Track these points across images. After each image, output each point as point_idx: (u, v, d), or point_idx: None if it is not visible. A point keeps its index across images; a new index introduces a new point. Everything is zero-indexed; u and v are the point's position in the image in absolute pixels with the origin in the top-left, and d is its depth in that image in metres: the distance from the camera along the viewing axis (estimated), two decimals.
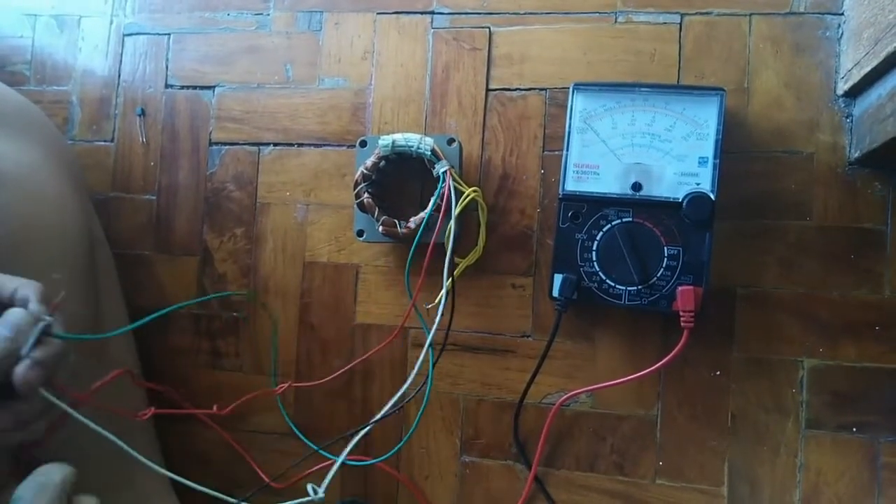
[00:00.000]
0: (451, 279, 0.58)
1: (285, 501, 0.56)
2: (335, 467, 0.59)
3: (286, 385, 0.64)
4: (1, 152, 0.50)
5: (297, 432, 0.65)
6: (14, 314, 0.37)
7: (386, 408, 0.59)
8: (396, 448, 0.62)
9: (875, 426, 0.55)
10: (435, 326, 0.58)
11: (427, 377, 0.60)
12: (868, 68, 0.51)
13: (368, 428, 0.60)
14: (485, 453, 0.61)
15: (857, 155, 0.55)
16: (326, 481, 0.55)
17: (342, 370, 0.64)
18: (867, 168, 0.56)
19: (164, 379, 0.67)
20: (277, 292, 0.66)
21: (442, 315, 0.59)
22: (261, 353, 0.66)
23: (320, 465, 0.63)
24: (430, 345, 0.61)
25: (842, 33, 0.57)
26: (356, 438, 0.60)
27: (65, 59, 0.74)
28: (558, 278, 0.56)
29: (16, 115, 0.55)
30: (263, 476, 0.64)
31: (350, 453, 0.62)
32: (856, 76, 0.53)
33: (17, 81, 0.74)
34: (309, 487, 0.57)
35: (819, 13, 0.58)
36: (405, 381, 0.62)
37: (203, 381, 0.67)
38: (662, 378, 0.59)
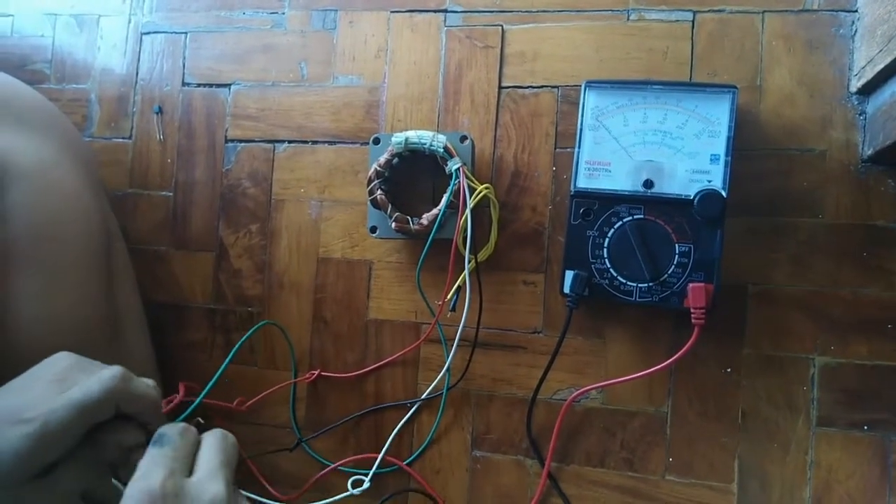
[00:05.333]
0: (468, 275, 0.59)
1: (333, 497, 0.59)
2: (378, 460, 0.62)
3: (316, 374, 0.65)
4: (19, 149, 0.51)
5: (310, 451, 0.66)
6: (136, 438, 0.38)
7: (426, 393, 0.60)
8: (421, 449, 0.63)
9: (886, 424, 0.55)
10: (462, 325, 0.59)
11: (447, 374, 0.61)
12: (882, 65, 0.51)
13: (396, 431, 0.62)
14: (495, 448, 0.62)
15: (870, 152, 0.55)
16: (371, 473, 0.60)
17: (372, 367, 0.65)
18: (880, 165, 0.56)
19: (179, 373, 0.68)
20: (292, 288, 0.67)
21: (454, 311, 0.60)
22: (275, 348, 0.67)
23: (343, 460, 0.64)
24: (445, 341, 0.62)
25: (855, 30, 0.57)
26: (388, 441, 0.62)
27: (84, 58, 0.75)
28: (569, 275, 0.56)
29: (33, 112, 0.56)
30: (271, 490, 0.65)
31: (357, 450, 0.64)
32: (869, 73, 0.53)
33: (37, 80, 0.75)
34: (350, 482, 0.59)
35: (832, 10, 0.58)
36: (416, 376, 0.64)
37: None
38: (673, 375, 0.59)
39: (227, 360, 0.45)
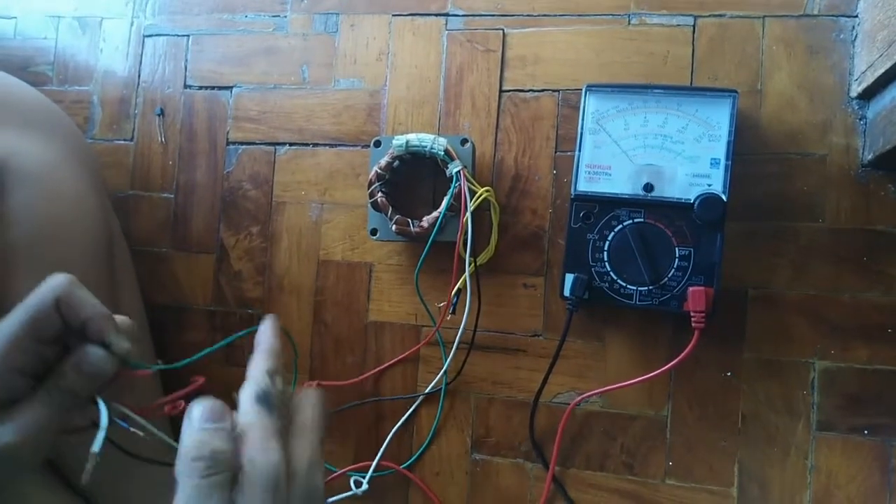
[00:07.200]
0: (468, 278, 0.59)
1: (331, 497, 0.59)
2: (374, 463, 0.62)
3: (313, 385, 0.65)
4: (23, 151, 0.52)
5: None
6: (95, 358, 0.35)
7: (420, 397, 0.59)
8: (419, 452, 0.63)
9: (887, 429, 0.55)
10: (462, 328, 0.59)
11: (444, 376, 0.61)
12: (882, 70, 0.51)
13: (392, 434, 0.63)
14: (495, 451, 0.62)
15: (870, 157, 0.55)
16: (369, 475, 0.60)
17: (369, 373, 0.65)
18: (880, 170, 0.56)
19: (179, 374, 0.68)
20: (292, 290, 0.67)
21: (455, 313, 0.60)
22: None
23: (350, 466, 0.64)
24: (443, 344, 0.62)
25: (856, 35, 0.57)
26: (387, 440, 0.62)
27: (86, 60, 0.75)
28: (570, 278, 0.56)
29: (37, 114, 0.56)
30: None
31: (357, 452, 0.64)
32: (869, 78, 0.54)
33: (40, 81, 0.75)
34: (352, 481, 0.60)
35: (833, 15, 0.58)
36: (416, 378, 0.64)
37: (217, 376, 0.68)
38: (673, 378, 0.59)
39: (220, 344, 0.44)
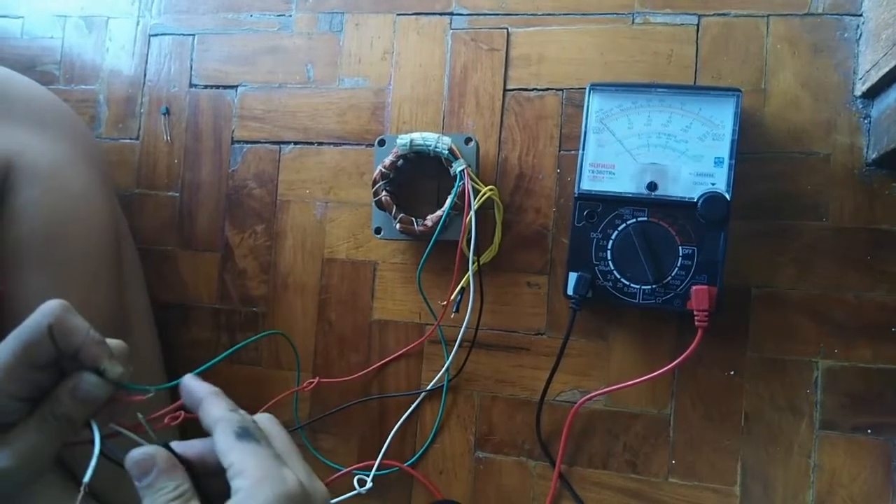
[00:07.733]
0: (472, 276, 0.59)
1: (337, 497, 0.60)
2: (377, 462, 0.62)
3: (315, 382, 0.65)
4: (32, 149, 0.52)
5: (318, 455, 0.66)
6: (90, 384, 0.34)
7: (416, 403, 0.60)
8: (422, 450, 0.63)
9: (890, 428, 0.55)
10: (464, 325, 0.59)
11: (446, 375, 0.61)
12: (886, 69, 0.51)
13: (396, 429, 0.64)
14: (498, 449, 0.62)
15: (874, 156, 0.55)
16: (372, 473, 0.61)
17: (371, 368, 0.65)
18: (884, 169, 0.56)
19: (184, 372, 0.68)
20: (296, 288, 0.68)
21: (458, 312, 0.60)
22: (279, 348, 0.68)
23: (355, 465, 0.64)
24: (445, 342, 0.62)
25: (860, 34, 0.57)
26: (387, 441, 0.63)
27: (93, 59, 0.76)
28: (573, 277, 0.56)
29: (47, 113, 0.57)
30: None
31: (362, 449, 0.64)
32: (874, 77, 0.53)
33: (46, 81, 0.76)
34: (355, 480, 0.60)
35: (837, 14, 0.58)
36: (420, 376, 0.64)
37: (222, 374, 0.69)
38: (676, 377, 0.59)
39: (222, 356, 0.44)
